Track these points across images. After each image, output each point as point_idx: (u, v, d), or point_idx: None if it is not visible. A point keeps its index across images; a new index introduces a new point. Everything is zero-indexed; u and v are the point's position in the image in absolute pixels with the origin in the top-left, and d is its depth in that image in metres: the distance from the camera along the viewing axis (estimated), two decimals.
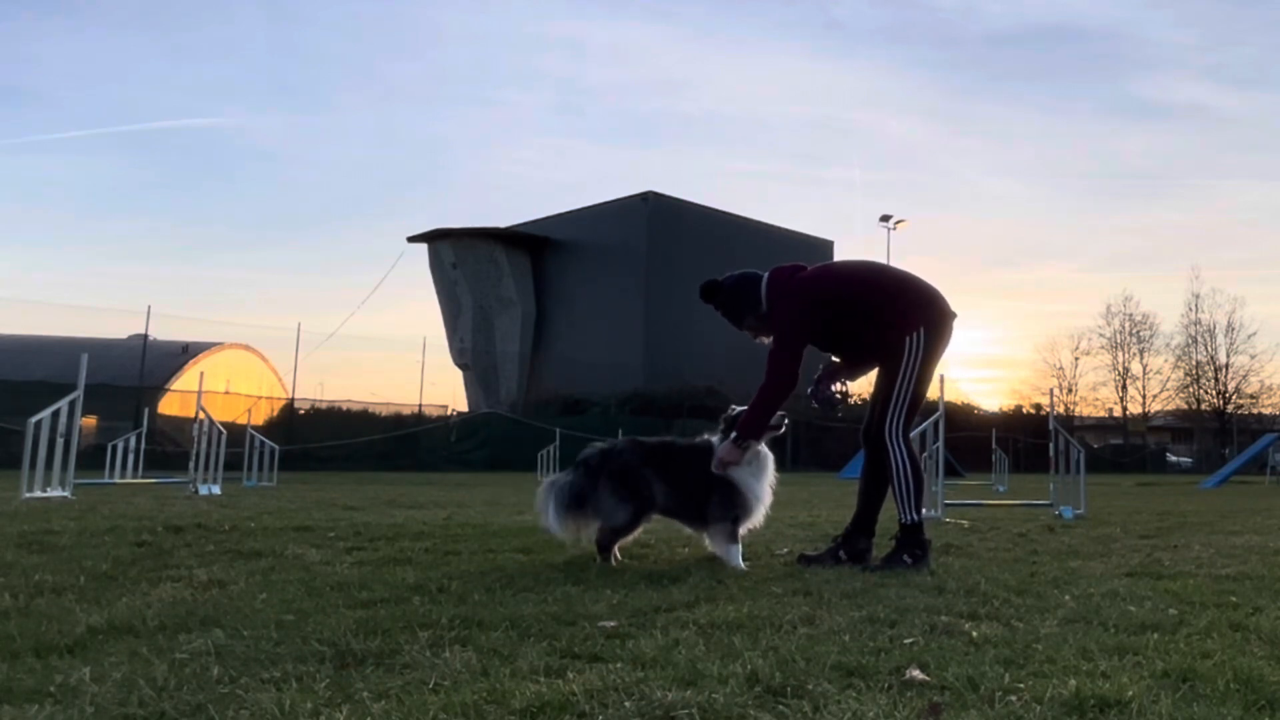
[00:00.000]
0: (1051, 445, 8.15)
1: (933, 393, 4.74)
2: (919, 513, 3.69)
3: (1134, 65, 61.13)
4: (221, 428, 10.22)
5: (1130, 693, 1.69)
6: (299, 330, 27.68)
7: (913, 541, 3.68)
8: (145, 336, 26.40)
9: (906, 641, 2.15)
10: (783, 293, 3.90)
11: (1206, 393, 46.72)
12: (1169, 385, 47.84)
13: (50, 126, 62.46)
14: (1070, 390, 47.50)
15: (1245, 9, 59.36)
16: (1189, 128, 64.18)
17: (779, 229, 42.28)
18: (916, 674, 1.82)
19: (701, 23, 65.46)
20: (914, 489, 3.71)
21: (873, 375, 3.98)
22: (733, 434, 3.71)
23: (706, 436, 3.85)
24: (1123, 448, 44.32)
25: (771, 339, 3.84)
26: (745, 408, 3.74)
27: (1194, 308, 47.06)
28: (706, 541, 3.79)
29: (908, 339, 3.84)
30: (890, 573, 3.41)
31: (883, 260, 4.43)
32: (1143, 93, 62.86)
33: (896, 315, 3.89)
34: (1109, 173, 66.55)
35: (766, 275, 4.02)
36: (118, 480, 11.86)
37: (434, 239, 40.77)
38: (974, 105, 65.85)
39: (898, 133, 66.67)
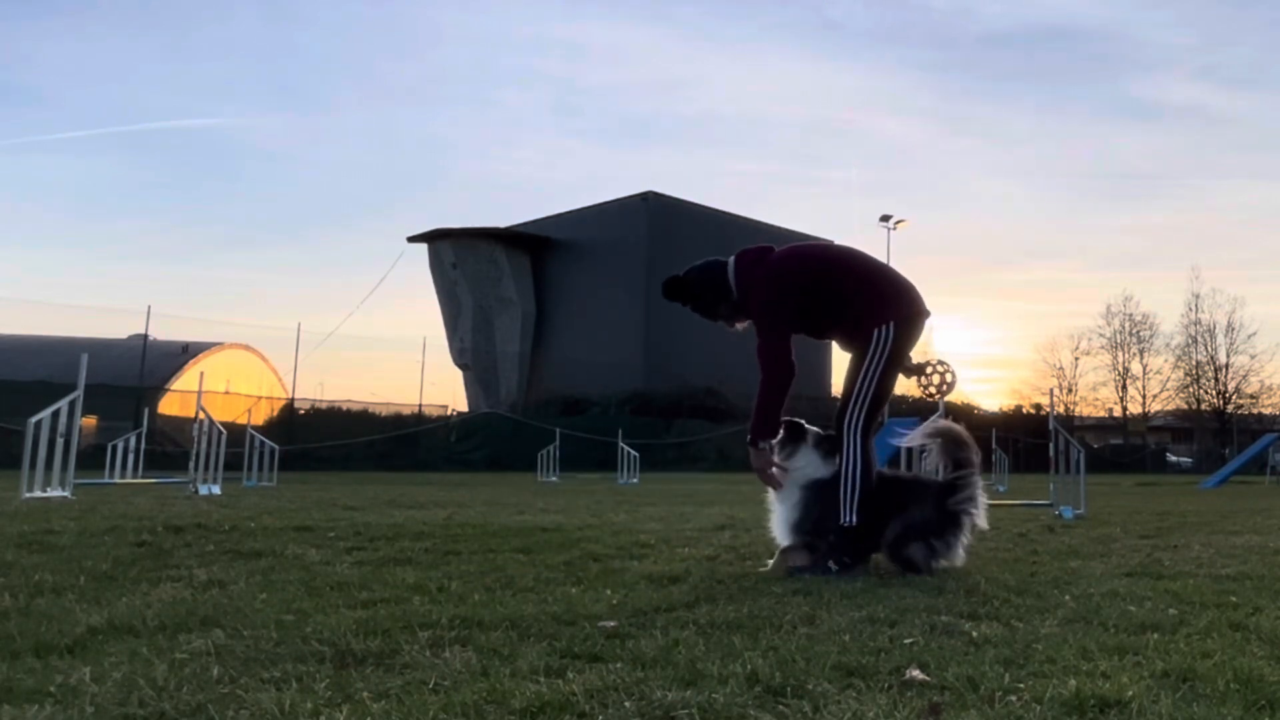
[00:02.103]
0: (1051, 445, 8.15)
1: None
2: (858, 516, 3.51)
3: (1130, 66, 61.32)
4: (221, 428, 10.22)
5: (1130, 693, 1.69)
6: (299, 330, 27.71)
7: (845, 547, 3.49)
8: (145, 336, 26.42)
9: (906, 641, 2.14)
10: (754, 279, 3.75)
11: (1206, 393, 46.77)
12: (1169, 385, 47.92)
13: (50, 126, 62.64)
14: (1070, 390, 47.54)
15: (1240, 10, 59.46)
16: (1186, 128, 64.30)
17: (779, 229, 42.26)
18: (916, 674, 1.82)
19: (698, 24, 65.66)
20: (859, 491, 3.53)
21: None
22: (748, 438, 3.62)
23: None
24: (1123, 448, 44.32)
25: (754, 329, 3.71)
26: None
27: (1194, 308, 47.13)
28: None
29: (875, 331, 3.66)
30: (817, 577, 3.25)
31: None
32: (1140, 93, 63.00)
33: (866, 305, 3.72)
34: (1108, 173, 66.73)
35: (732, 260, 3.83)
36: (118, 480, 11.86)
37: (434, 239, 40.78)
38: (971, 105, 66.00)
39: (896, 133, 66.78)
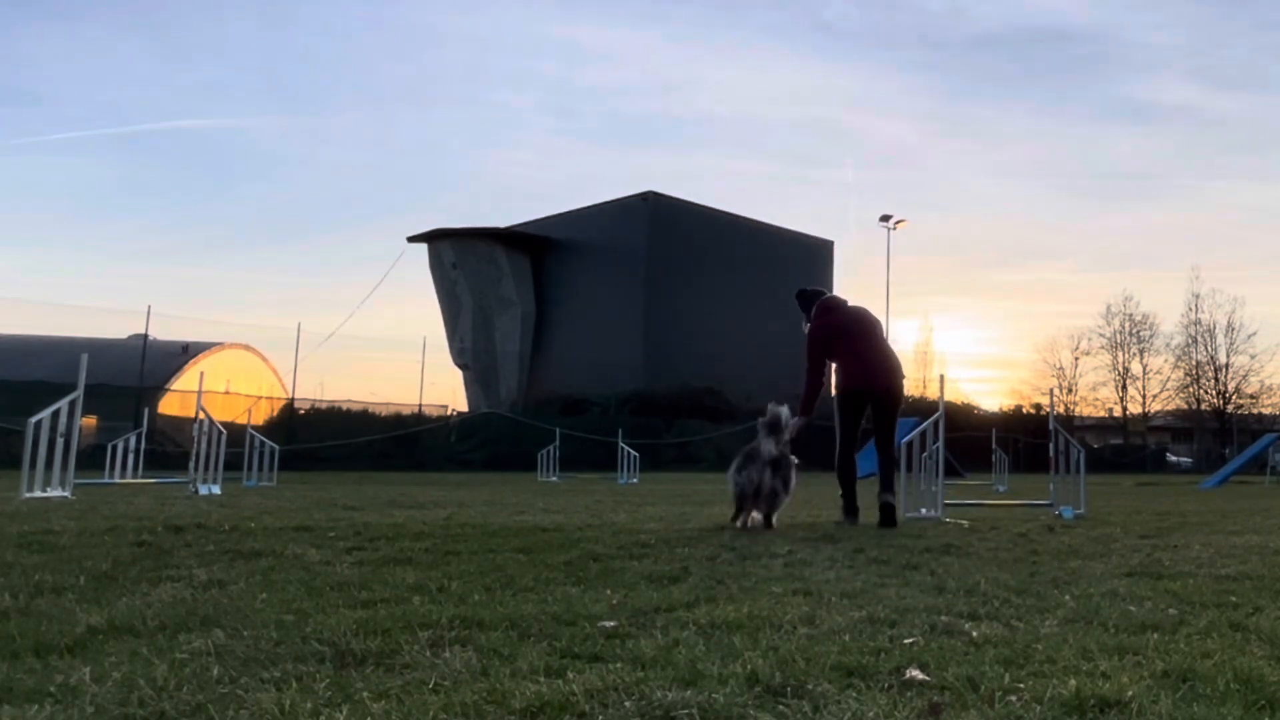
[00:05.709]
0: (1051, 445, 8.14)
1: (933, 393, 4.82)
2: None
3: (1124, 67, 61.39)
4: (221, 428, 10.21)
5: (1130, 693, 1.69)
6: (299, 330, 27.66)
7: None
8: (145, 336, 26.38)
9: (906, 641, 2.14)
10: (810, 326, 6.26)
11: (1206, 393, 46.77)
12: (1169, 385, 47.93)
13: (50, 127, 62.62)
14: (1070, 390, 47.55)
15: (1230, 11, 59.51)
16: (1183, 128, 64.38)
17: (779, 229, 42.25)
18: (916, 674, 1.82)
19: (693, 25, 65.79)
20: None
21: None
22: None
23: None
24: (1123, 448, 44.33)
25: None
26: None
27: (1194, 308, 47.12)
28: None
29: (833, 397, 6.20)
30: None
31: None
32: (1135, 94, 63.02)
33: (839, 373, 6.21)
34: (1106, 173, 66.79)
35: (819, 303, 6.31)
36: (118, 480, 11.86)
37: (434, 239, 40.77)
38: (966, 106, 66.15)
39: (893, 134, 66.86)
